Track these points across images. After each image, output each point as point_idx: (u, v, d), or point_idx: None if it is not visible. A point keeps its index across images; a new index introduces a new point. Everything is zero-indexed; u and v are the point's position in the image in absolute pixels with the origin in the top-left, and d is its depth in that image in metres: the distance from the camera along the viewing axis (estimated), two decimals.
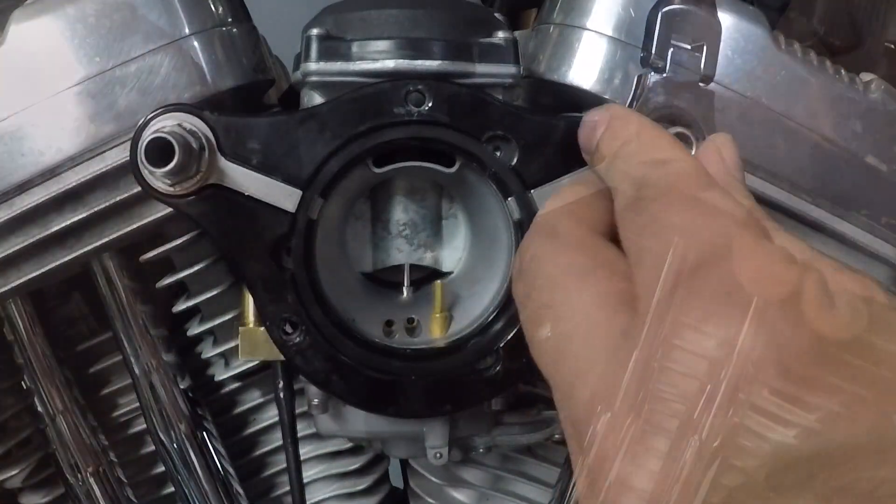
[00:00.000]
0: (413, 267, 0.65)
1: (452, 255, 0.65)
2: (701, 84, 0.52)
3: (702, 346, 0.35)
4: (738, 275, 0.36)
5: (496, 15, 0.63)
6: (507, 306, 0.60)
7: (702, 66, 0.51)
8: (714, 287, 0.36)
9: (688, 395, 0.35)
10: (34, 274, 0.63)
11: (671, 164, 0.43)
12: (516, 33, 0.61)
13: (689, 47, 0.51)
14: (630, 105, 0.52)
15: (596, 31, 0.62)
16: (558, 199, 0.49)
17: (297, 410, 0.70)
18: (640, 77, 0.52)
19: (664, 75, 0.51)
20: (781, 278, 0.36)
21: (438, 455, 0.67)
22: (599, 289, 0.41)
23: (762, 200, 0.64)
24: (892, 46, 0.74)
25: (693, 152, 0.50)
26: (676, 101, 0.51)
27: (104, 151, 0.61)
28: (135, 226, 0.63)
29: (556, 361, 0.41)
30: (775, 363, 0.33)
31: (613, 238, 0.45)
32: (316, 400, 0.66)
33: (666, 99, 0.51)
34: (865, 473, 0.32)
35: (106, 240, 0.63)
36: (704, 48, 0.51)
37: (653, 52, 0.51)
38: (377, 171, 0.59)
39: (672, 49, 0.51)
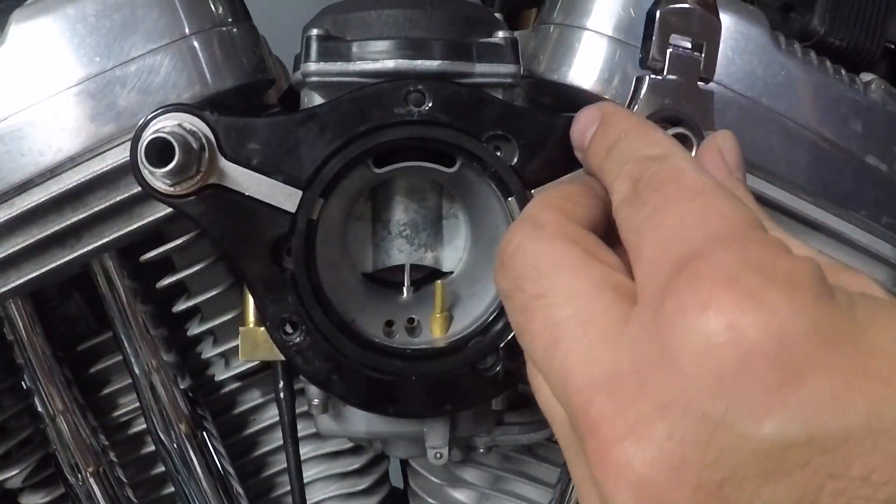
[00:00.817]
0: (413, 267, 0.65)
1: (453, 255, 0.65)
2: (700, 84, 0.51)
3: (704, 329, 0.35)
4: (740, 262, 0.36)
5: (496, 15, 0.63)
6: None
7: (701, 66, 0.51)
8: (716, 273, 0.36)
9: (689, 380, 0.35)
10: (34, 274, 0.63)
11: (668, 160, 0.43)
12: (516, 33, 0.61)
13: (688, 46, 0.51)
14: (628, 106, 0.52)
15: (596, 31, 0.62)
16: (544, 195, 0.49)
17: (298, 410, 0.70)
18: (638, 78, 0.52)
19: (662, 76, 0.51)
20: (782, 266, 0.36)
21: (438, 455, 0.67)
22: (594, 278, 0.41)
23: (762, 200, 0.64)
24: (892, 46, 0.74)
25: (693, 153, 0.50)
26: (675, 102, 0.51)
27: (104, 151, 0.61)
28: (135, 226, 0.63)
29: (549, 352, 0.41)
30: (775, 347, 0.34)
31: (601, 235, 0.45)
32: (316, 400, 0.66)
33: (665, 100, 0.51)
34: (858, 460, 0.32)
35: (106, 240, 0.63)
36: (704, 47, 0.51)
37: (651, 52, 0.51)
38: (377, 171, 0.59)
39: (671, 49, 0.51)
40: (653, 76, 0.51)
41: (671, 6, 0.50)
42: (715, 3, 0.51)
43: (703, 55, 0.51)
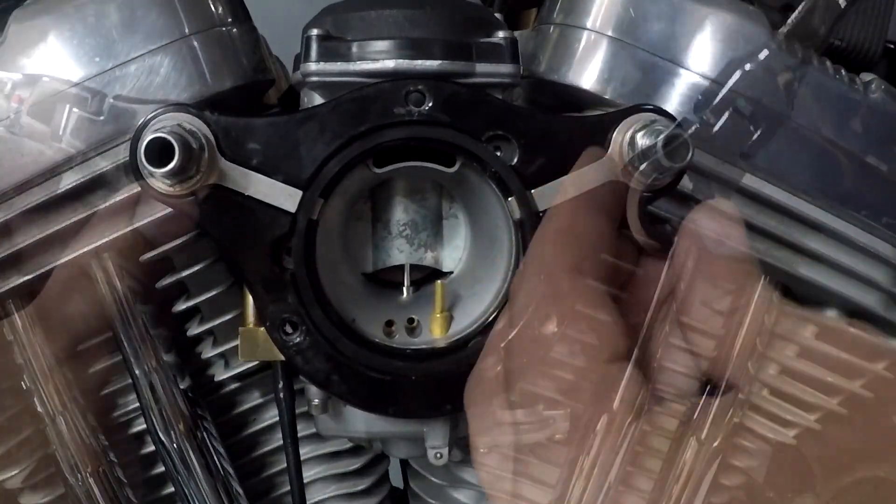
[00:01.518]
0: (413, 267, 0.65)
1: (453, 254, 0.65)
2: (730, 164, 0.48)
3: None
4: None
5: (496, 15, 0.63)
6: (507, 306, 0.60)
7: (751, 141, 0.48)
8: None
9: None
10: (34, 274, 0.63)
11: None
12: (516, 33, 0.61)
13: (746, 115, 0.48)
14: (651, 152, 0.49)
15: (596, 32, 0.62)
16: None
17: (298, 411, 0.70)
18: (685, 120, 0.48)
19: (712, 131, 0.48)
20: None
21: (439, 455, 0.67)
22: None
23: (762, 200, 0.64)
24: (892, 46, 0.74)
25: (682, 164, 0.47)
26: (697, 158, 0.47)
27: (104, 151, 0.61)
28: (135, 226, 0.63)
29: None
30: None
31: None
32: (316, 400, 0.66)
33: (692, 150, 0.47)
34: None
35: (106, 240, 0.63)
36: (759, 132, 0.49)
37: (713, 103, 0.48)
38: (377, 171, 0.59)
39: (731, 110, 0.48)
40: (701, 125, 0.48)
41: (753, 66, 0.48)
42: (795, 92, 0.48)
43: (754, 136, 0.48)
